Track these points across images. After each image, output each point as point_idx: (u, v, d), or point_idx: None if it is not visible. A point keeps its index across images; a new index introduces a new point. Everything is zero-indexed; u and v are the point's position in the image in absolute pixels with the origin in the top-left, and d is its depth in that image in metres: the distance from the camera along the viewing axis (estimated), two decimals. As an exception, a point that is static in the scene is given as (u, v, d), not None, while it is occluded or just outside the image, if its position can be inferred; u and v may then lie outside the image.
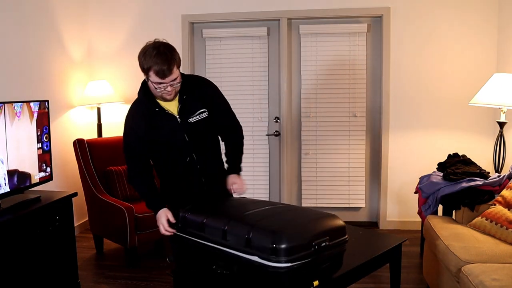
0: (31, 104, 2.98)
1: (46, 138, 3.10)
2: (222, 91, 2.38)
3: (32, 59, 3.78)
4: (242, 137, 2.39)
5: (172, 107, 2.20)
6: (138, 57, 2.15)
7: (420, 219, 3.62)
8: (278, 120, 4.52)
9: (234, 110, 2.40)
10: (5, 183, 2.77)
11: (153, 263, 3.62)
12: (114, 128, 4.60)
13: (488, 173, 3.31)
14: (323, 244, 1.78)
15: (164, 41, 2.15)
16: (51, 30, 4.02)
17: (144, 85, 2.22)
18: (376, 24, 4.37)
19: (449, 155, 3.64)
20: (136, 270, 3.49)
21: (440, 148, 4.17)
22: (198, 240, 1.97)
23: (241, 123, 2.43)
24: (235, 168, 2.33)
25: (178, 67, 2.12)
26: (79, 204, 4.09)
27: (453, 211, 3.23)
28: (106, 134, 4.46)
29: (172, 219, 2.14)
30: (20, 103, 2.88)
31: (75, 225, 4.08)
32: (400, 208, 4.38)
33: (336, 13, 4.26)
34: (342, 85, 4.41)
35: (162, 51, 2.08)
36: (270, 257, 1.69)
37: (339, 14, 4.27)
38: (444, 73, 4.20)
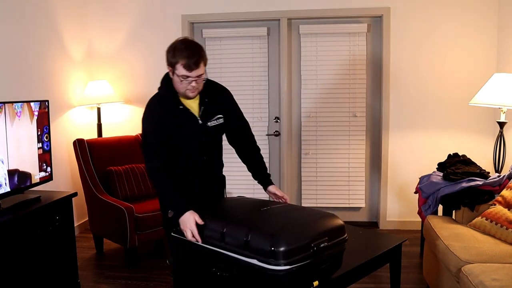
0: (32, 104, 2.98)
1: (46, 138, 3.11)
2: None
3: (32, 59, 3.78)
4: (258, 148, 2.41)
5: (193, 108, 2.21)
6: (166, 52, 2.13)
7: (420, 219, 3.62)
8: (278, 120, 4.52)
9: None
10: (5, 183, 2.77)
11: (153, 263, 3.62)
12: (114, 128, 4.60)
13: (488, 173, 3.31)
14: (322, 245, 1.77)
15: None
16: (51, 30, 4.03)
17: (168, 81, 2.20)
18: (376, 24, 4.37)
19: (449, 155, 3.64)
20: (136, 270, 3.49)
21: (440, 148, 4.17)
22: (197, 243, 1.97)
23: None
24: (269, 178, 2.37)
25: (205, 65, 2.12)
26: (79, 204, 4.09)
27: (453, 211, 3.23)
28: (106, 134, 4.46)
29: (200, 221, 1.98)
30: (20, 103, 2.88)
31: (75, 225, 4.08)
32: (400, 208, 4.38)
33: (336, 13, 4.26)
34: (342, 85, 4.41)
35: (191, 45, 2.11)
36: (268, 260, 1.68)
37: (339, 14, 4.27)
38: (444, 73, 4.20)
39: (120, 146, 4.09)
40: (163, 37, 4.51)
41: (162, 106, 2.17)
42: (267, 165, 4.49)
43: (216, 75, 4.46)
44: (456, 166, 3.41)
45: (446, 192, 3.21)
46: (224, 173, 2.44)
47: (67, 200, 3.05)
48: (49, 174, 3.16)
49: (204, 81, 2.16)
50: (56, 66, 4.09)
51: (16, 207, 2.71)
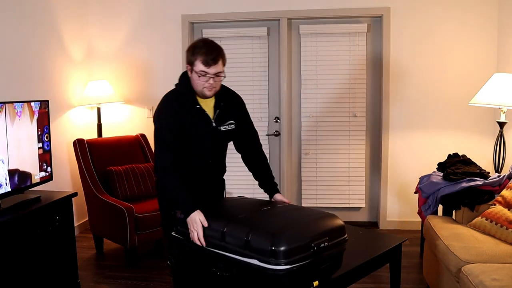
0: (32, 104, 2.98)
1: (46, 137, 3.11)
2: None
3: (32, 59, 3.78)
4: (265, 156, 2.42)
5: (209, 110, 2.22)
6: (186, 51, 2.15)
7: (420, 219, 3.62)
8: (278, 120, 4.52)
9: None
10: (6, 183, 2.77)
11: (153, 263, 3.62)
12: (114, 128, 4.60)
13: (488, 173, 3.31)
14: (322, 245, 1.77)
15: None
16: (51, 30, 4.03)
17: (186, 79, 2.20)
18: (376, 24, 4.37)
19: (449, 155, 3.64)
20: (136, 270, 3.49)
21: (440, 148, 4.17)
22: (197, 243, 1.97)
23: None
24: (275, 187, 2.37)
25: (224, 64, 2.14)
26: (79, 204, 4.09)
27: (453, 211, 3.23)
28: (106, 134, 4.46)
29: (205, 223, 1.97)
30: (20, 103, 2.88)
31: (75, 225, 4.08)
32: (400, 208, 4.38)
33: (336, 13, 4.26)
34: (342, 85, 4.41)
35: (210, 43, 2.12)
36: (269, 260, 1.68)
37: (339, 14, 4.27)
38: (444, 73, 4.20)
39: (120, 146, 4.09)
40: (163, 37, 4.52)
41: (179, 102, 2.17)
42: (267, 165, 4.51)
43: (216, 75, 4.46)
44: (456, 166, 3.41)
45: (446, 192, 3.21)
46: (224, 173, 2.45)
47: (67, 200, 3.05)
48: (49, 174, 3.16)
49: (221, 81, 2.17)
50: (56, 66, 4.09)
51: (16, 207, 2.71)
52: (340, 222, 1.93)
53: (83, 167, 3.76)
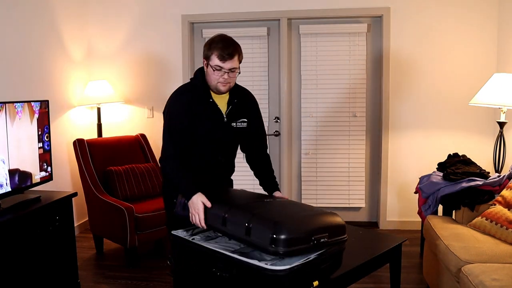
0: (32, 103, 2.98)
1: (47, 137, 3.11)
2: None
3: (32, 59, 3.78)
4: (269, 158, 2.42)
5: (221, 105, 2.22)
6: (204, 45, 2.16)
7: (420, 219, 3.62)
8: (278, 120, 4.52)
9: None
10: (6, 183, 2.77)
11: (153, 263, 3.62)
12: (114, 128, 4.60)
13: (488, 173, 3.31)
14: (322, 240, 1.77)
15: None
16: (51, 30, 4.03)
17: (202, 73, 2.21)
18: (376, 24, 4.37)
19: (449, 155, 3.64)
20: (136, 270, 3.49)
21: (440, 148, 4.17)
22: (198, 243, 1.97)
23: None
24: (276, 186, 2.37)
25: (240, 61, 2.16)
26: (79, 204, 4.09)
27: (453, 211, 3.23)
28: (106, 134, 4.46)
29: (208, 204, 1.99)
30: (21, 103, 2.89)
31: (75, 225, 4.08)
32: (400, 208, 4.38)
33: (336, 13, 4.26)
34: (342, 85, 4.41)
35: (228, 39, 2.15)
36: (268, 247, 1.68)
37: (339, 14, 4.27)
38: (444, 73, 4.20)
39: (120, 146, 4.09)
40: (163, 37, 4.52)
41: (193, 95, 2.18)
42: (267, 165, 4.52)
43: (216, 75, 4.46)
44: (456, 166, 3.41)
45: (446, 192, 3.21)
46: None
47: (67, 200, 3.05)
48: (49, 174, 3.16)
49: (235, 77, 2.18)
50: (56, 66, 4.09)
51: (16, 207, 2.71)
52: (340, 220, 1.92)
53: (83, 167, 3.76)
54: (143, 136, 4.28)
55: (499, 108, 3.39)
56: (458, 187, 3.16)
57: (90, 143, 3.90)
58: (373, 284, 3.14)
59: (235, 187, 2.48)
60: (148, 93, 4.58)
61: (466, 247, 2.52)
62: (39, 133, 3.04)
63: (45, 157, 3.11)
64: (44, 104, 3.09)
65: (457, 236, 2.69)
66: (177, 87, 2.25)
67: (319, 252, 1.79)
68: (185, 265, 2.12)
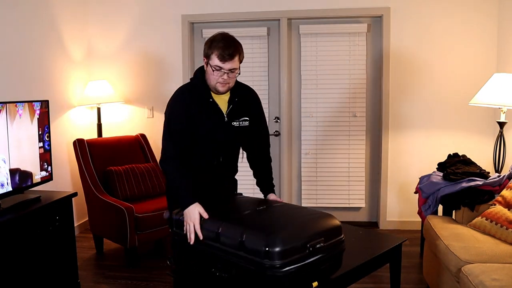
0: (33, 103, 2.98)
1: (47, 137, 3.11)
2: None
3: (32, 59, 3.78)
4: (271, 158, 2.41)
5: (222, 104, 2.20)
6: (204, 44, 2.13)
7: (420, 219, 3.62)
8: (278, 120, 4.52)
9: None
10: (7, 183, 2.77)
11: (153, 263, 3.62)
12: (114, 128, 4.60)
13: (488, 173, 3.31)
14: (318, 246, 1.75)
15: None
16: (51, 30, 4.03)
17: (202, 73, 2.20)
18: (376, 24, 4.37)
19: (449, 155, 3.64)
20: (136, 270, 3.49)
21: (440, 148, 4.17)
22: (194, 245, 1.96)
23: None
24: (272, 188, 2.36)
25: (240, 61, 2.13)
26: (79, 204, 4.09)
27: (453, 211, 3.23)
28: (106, 134, 4.46)
29: (205, 215, 1.97)
30: (21, 103, 2.89)
31: (75, 225, 4.08)
32: (400, 208, 4.38)
33: (336, 13, 4.26)
34: (342, 85, 4.41)
35: (229, 38, 2.10)
36: (263, 261, 1.67)
37: (339, 14, 4.27)
38: (444, 73, 4.20)
39: (120, 146, 4.09)
40: (163, 37, 4.52)
41: (192, 95, 2.16)
42: (267, 165, 4.51)
43: (216, 75, 4.46)
44: (456, 166, 3.41)
45: (446, 192, 3.21)
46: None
47: (67, 200, 3.05)
48: (49, 173, 3.16)
49: (235, 78, 2.16)
50: (56, 66, 4.09)
51: (16, 207, 2.71)
52: (336, 222, 1.91)
53: (83, 167, 3.76)
54: (143, 136, 4.28)
55: (499, 108, 3.39)
56: (458, 187, 3.16)
57: (90, 143, 3.90)
58: (373, 284, 3.14)
59: (239, 187, 2.47)
60: (148, 93, 4.58)
61: (466, 247, 2.52)
62: (40, 132, 3.04)
63: (46, 157, 3.11)
64: (44, 104, 3.09)
65: (457, 236, 2.69)
66: (178, 87, 2.24)
67: (317, 256, 1.77)
68: (185, 265, 2.12)
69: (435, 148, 4.23)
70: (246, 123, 2.25)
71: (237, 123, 2.22)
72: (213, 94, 2.18)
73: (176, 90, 2.22)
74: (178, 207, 2.12)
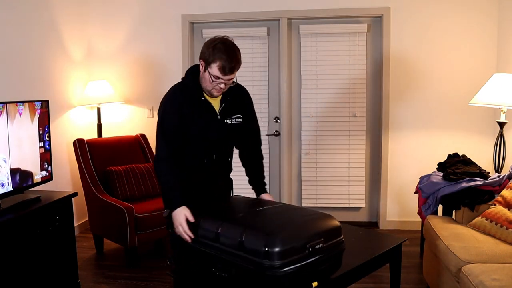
0: (33, 103, 2.98)
1: (47, 137, 3.11)
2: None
3: (32, 59, 3.78)
4: (262, 156, 2.43)
5: (214, 102, 2.21)
6: (206, 46, 2.11)
7: (420, 219, 3.62)
8: (278, 120, 4.52)
9: None
10: (8, 182, 2.77)
11: (153, 263, 3.62)
12: (114, 128, 4.60)
13: (488, 173, 3.31)
14: (317, 246, 1.75)
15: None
16: (51, 30, 4.03)
17: (193, 73, 2.20)
18: (376, 24, 4.37)
19: (449, 155, 3.64)
20: (136, 270, 3.49)
21: (440, 148, 4.17)
22: (194, 245, 1.96)
23: None
24: (264, 187, 2.37)
25: (238, 69, 2.14)
26: (79, 204, 4.09)
27: (453, 211, 3.23)
28: (106, 134, 4.46)
29: (191, 219, 2.01)
30: (21, 103, 2.89)
31: (75, 225, 4.08)
32: (400, 208, 4.38)
33: (336, 13, 4.26)
34: (342, 85, 4.41)
35: (232, 49, 2.10)
36: (263, 261, 1.67)
37: (339, 14, 4.27)
38: (444, 73, 4.20)
39: (120, 146, 4.09)
40: (163, 37, 4.52)
41: (184, 95, 2.17)
42: (267, 165, 4.53)
43: (216, 75, 4.46)
44: (456, 166, 3.41)
45: (446, 192, 3.21)
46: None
47: (67, 200, 3.05)
48: (50, 173, 3.16)
49: (230, 84, 2.18)
50: (56, 66, 4.09)
51: (16, 207, 2.71)
52: (336, 222, 1.91)
53: (83, 167, 3.76)
54: (143, 136, 4.28)
55: (499, 108, 3.39)
56: (458, 187, 3.16)
57: (90, 143, 3.90)
58: (373, 284, 3.14)
59: (238, 187, 2.47)
60: (148, 93, 4.58)
61: (466, 247, 2.52)
62: (40, 132, 3.04)
63: (46, 157, 3.11)
64: (44, 104, 3.10)
65: (457, 236, 2.69)
66: (170, 87, 2.24)
67: (317, 257, 1.77)
68: (185, 265, 2.12)
69: (435, 148, 4.23)
70: (239, 120, 2.26)
71: (230, 120, 2.23)
72: (205, 94, 2.19)
73: (168, 91, 2.23)
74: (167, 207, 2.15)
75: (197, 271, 2.03)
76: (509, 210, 2.71)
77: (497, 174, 3.22)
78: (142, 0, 4.50)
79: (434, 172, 3.54)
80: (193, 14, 4.45)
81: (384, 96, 4.28)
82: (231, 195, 2.44)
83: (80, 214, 4.27)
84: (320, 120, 4.48)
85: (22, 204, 2.76)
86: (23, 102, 2.91)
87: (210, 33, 4.49)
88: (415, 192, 3.62)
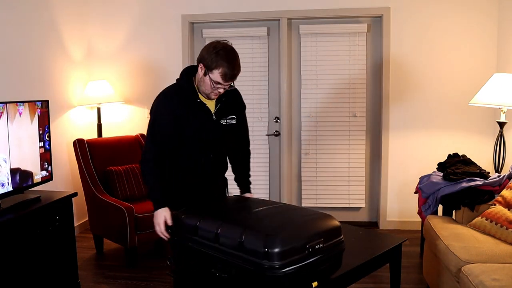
0: (33, 103, 2.98)
1: (47, 137, 3.11)
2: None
3: (32, 59, 3.78)
4: (249, 152, 2.48)
5: (209, 104, 2.23)
6: (206, 50, 2.12)
7: (420, 219, 3.62)
8: (278, 120, 4.52)
9: None
10: (8, 182, 2.77)
11: (153, 263, 3.62)
12: (114, 128, 4.60)
13: (488, 173, 3.31)
14: (317, 247, 1.75)
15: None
16: (51, 30, 4.03)
17: (188, 73, 2.22)
18: (376, 24, 4.37)
19: (449, 155, 3.64)
20: (136, 270, 3.50)
21: (440, 148, 4.17)
22: (193, 246, 1.96)
23: None
24: (249, 186, 2.43)
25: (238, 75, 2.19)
26: (79, 204, 4.09)
27: (453, 211, 3.23)
28: (106, 134, 4.46)
29: (169, 222, 2.12)
30: (21, 103, 2.89)
31: (75, 225, 4.08)
32: (400, 208, 4.38)
33: (336, 13, 4.26)
34: (342, 85, 4.41)
35: (234, 56, 2.12)
36: (262, 262, 1.67)
37: (339, 14, 4.27)
38: (444, 73, 4.20)
39: (120, 146, 4.09)
40: (163, 37, 4.52)
41: (179, 96, 2.18)
42: (267, 165, 4.53)
43: (216, 75, 4.46)
44: (456, 166, 3.41)
45: (446, 192, 3.21)
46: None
47: (67, 200, 3.05)
48: (50, 173, 3.16)
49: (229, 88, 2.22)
50: (56, 66, 4.09)
51: (16, 207, 2.71)
52: (335, 222, 1.91)
53: (83, 167, 3.76)
54: (143, 136, 4.28)
55: (499, 108, 3.39)
56: (458, 187, 3.16)
57: (90, 143, 3.90)
58: (373, 284, 3.14)
59: (233, 187, 2.47)
60: (148, 93, 4.57)
61: (466, 247, 2.52)
62: (40, 132, 3.04)
63: (46, 157, 3.11)
64: (44, 104, 3.10)
65: (457, 236, 2.69)
66: (163, 89, 2.25)
67: (316, 257, 1.77)
68: (185, 265, 2.12)
69: (435, 148, 4.23)
70: (234, 121, 2.30)
71: (225, 121, 2.26)
72: (200, 95, 2.20)
73: (162, 91, 2.23)
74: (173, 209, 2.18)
75: (197, 271, 2.03)
76: (509, 210, 2.71)
77: (497, 174, 3.22)
78: (142, 0, 4.50)
79: (434, 172, 3.54)
80: (193, 14, 4.45)
81: (384, 96, 4.28)
82: (227, 194, 2.46)
83: (80, 214, 4.27)
84: (320, 120, 4.48)
85: (22, 204, 2.76)
86: (23, 102, 2.91)
87: (210, 33, 4.49)
88: (415, 192, 3.62)
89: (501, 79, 3.32)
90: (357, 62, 4.38)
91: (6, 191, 2.76)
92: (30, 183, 2.97)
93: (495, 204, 2.84)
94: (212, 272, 1.88)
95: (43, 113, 3.08)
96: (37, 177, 3.03)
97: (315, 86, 4.45)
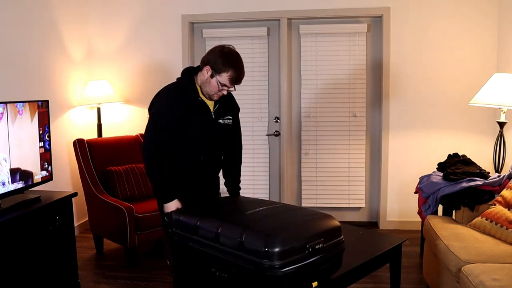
0: (33, 103, 2.98)
1: (47, 137, 3.11)
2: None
3: (32, 59, 3.78)
4: (241, 155, 2.54)
5: (209, 103, 2.29)
6: (214, 54, 2.18)
7: (420, 219, 3.62)
8: (278, 120, 4.52)
9: None
10: (8, 182, 2.77)
11: (153, 263, 3.62)
12: (114, 128, 4.61)
13: (488, 173, 3.31)
14: (317, 246, 1.76)
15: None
16: (51, 30, 4.03)
17: (189, 73, 2.29)
18: (376, 24, 4.37)
19: (449, 155, 3.64)
20: (136, 270, 3.50)
21: (440, 148, 4.17)
22: (194, 245, 1.96)
23: (241, 123, 2.56)
24: (238, 191, 2.49)
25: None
26: (79, 204, 4.09)
27: (453, 211, 3.23)
28: (106, 134, 4.46)
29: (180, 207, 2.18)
30: (22, 103, 2.89)
31: (75, 225, 4.08)
32: (400, 208, 4.38)
33: (336, 13, 4.26)
34: (342, 85, 4.41)
35: (240, 61, 2.21)
36: (263, 261, 1.67)
37: (339, 14, 4.27)
38: (444, 73, 4.20)
39: (120, 146, 4.09)
40: (163, 37, 4.52)
41: (180, 95, 2.23)
42: (267, 165, 4.53)
43: (216, 75, 4.46)
44: (456, 166, 3.41)
45: (446, 192, 3.21)
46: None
47: (67, 200, 3.05)
48: (49, 173, 3.16)
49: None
50: (56, 66, 4.09)
51: (16, 207, 2.71)
52: (336, 223, 1.91)
53: (83, 167, 3.76)
54: (143, 136, 4.27)
55: (499, 108, 3.39)
56: (458, 187, 3.16)
57: (90, 143, 3.90)
58: (373, 284, 3.14)
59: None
60: (148, 93, 4.56)
61: (466, 247, 2.52)
62: (40, 132, 3.04)
63: (46, 157, 3.11)
64: (44, 104, 3.10)
65: (457, 236, 2.69)
66: (163, 87, 2.28)
67: (317, 257, 1.77)
68: (185, 265, 2.12)
69: (435, 148, 4.23)
70: (230, 121, 2.37)
71: (223, 121, 2.33)
72: (200, 94, 2.25)
73: (162, 90, 2.27)
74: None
75: (197, 271, 2.03)
76: (509, 210, 2.71)
77: (497, 174, 3.22)
78: (142, 0, 4.50)
79: (434, 172, 3.54)
80: (193, 14, 4.45)
81: (384, 96, 4.28)
82: (219, 192, 2.52)
83: (80, 214, 4.27)
84: (320, 120, 4.48)
85: (22, 204, 2.76)
86: (23, 102, 2.91)
87: (210, 33, 4.49)
88: (415, 192, 3.62)
89: (501, 79, 3.32)
90: (357, 62, 4.38)
91: (6, 191, 2.76)
92: (30, 183, 2.97)
93: (495, 204, 2.84)
94: (212, 272, 1.88)
95: (43, 113, 3.08)
96: (37, 177, 3.03)
97: (315, 86, 4.45)
